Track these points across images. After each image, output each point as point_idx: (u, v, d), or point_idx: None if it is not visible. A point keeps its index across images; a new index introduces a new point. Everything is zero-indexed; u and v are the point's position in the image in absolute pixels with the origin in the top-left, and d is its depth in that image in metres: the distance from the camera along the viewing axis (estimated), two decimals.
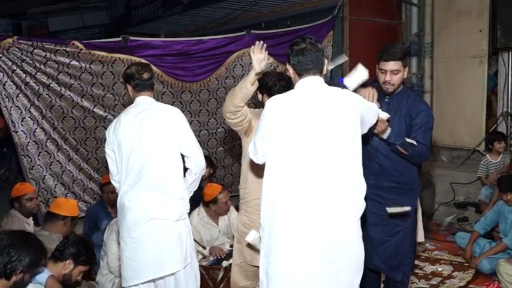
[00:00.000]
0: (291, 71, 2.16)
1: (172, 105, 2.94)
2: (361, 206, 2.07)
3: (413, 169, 2.71)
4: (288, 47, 2.14)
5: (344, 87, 2.31)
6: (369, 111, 2.21)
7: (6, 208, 3.76)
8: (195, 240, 3.08)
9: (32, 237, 2.32)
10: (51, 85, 4.24)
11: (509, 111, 5.63)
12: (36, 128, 4.23)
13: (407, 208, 2.57)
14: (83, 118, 4.47)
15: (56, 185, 4.42)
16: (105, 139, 2.73)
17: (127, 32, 6.79)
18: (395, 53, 2.56)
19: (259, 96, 2.77)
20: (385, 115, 2.45)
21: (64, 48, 4.22)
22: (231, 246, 3.57)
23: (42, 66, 4.16)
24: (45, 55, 4.15)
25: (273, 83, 2.68)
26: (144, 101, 2.69)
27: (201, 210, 3.87)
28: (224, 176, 5.49)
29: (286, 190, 2.00)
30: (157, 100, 2.87)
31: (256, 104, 3.84)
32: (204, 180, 4.15)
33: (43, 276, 2.42)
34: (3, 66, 4.00)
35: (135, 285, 2.62)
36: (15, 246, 2.10)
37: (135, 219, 2.56)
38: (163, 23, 8.05)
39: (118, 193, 2.69)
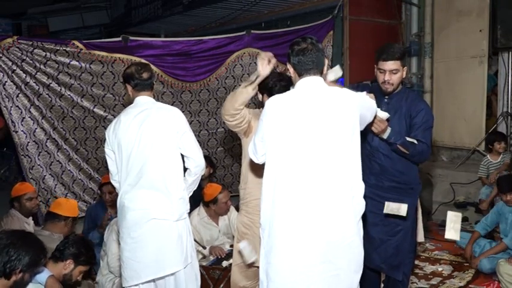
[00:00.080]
0: (291, 71, 2.16)
1: (172, 105, 2.94)
2: (361, 205, 2.08)
3: (413, 168, 2.71)
4: (289, 47, 2.14)
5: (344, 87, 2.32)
6: (368, 110, 2.22)
7: (6, 208, 3.76)
8: (195, 240, 3.08)
9: (32, 237, 2.32)
10: (51, 85, 4.24)
11: (509, 111, 5.63)
12: (36, 128, 4.23)
13: (403, 213, 2.58)
14: (83, 118, 4.47)
15: (56, 185, 4.41)
16: (105, 139, 2.73)
17: (127, 32, 6.79)
18: (393, 53, 2.56)
19: (260, 96, 2.76)
20: (384, 115, 2.45)
21: (64, 48, 4.22)
22: (231, 246, 3.57)
23: (42, 66, 4.16)
24: (45, 55, 4.15)
25: (274, 83, 2.68)
26: (144, 101, 2.69)
27: (201, 210, 3.87)
28: (224, 176, 5.49)
29: (286, 190, 2.00)
30: (157, 100, 2.87)
31: (256, 104, 3.84)
32: (204, 180, 4.16)
33: (43, 276, 2.42)
34: (3, 66, 3.99)
35: (135, 285, 2.62)
36: (15, 246, 2.10)
37: (135, 219, 2.56)
38: (163, 23, 8.05)
39: (118, 193, 2.69)
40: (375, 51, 2.66)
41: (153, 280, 2.63)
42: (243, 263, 2.74)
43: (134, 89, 2.70)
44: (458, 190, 5.42)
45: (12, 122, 4.11)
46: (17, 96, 4.09)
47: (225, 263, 3.49)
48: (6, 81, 4.02)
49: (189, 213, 2.75)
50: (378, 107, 2.41)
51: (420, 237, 2.91)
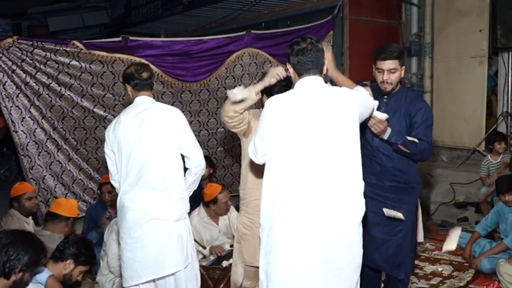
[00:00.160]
0: (291, 71, 2.16)
1: (172, 105, 2.94)
2: (362, 205, 2.08)
3: (413, 167, 2.71)
4: (288, 47, 2.15)
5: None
6: (367, 109, 2.23)
7: (6, 208, 3.76)
8: (195, 240, 3.08)
9: (31, 237, 2.32)
10: (51, 85, 4.24)
11: (509, 111, 5.63)
12: (36, 128, 4.23)
13: (401, 215, 2.59)
14: (83, 118, 4.47)
15: (56, 185, 4.41)
16: (105, 139, 2.72)
17: (127, 32, 6.80)
18: (392, 52, 2.56)
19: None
20: (383, 116, 2.45)
21: (64, 48, 4.22)
22: (231, 246, 3.57)
23: (42, 66, 4.16)
24: (45, 55, 4.15)
25: (274, 83, 2.68)
26: (143, 101, 2.69)
27: (201, 210, 3.87)
28: (224, 176, 5.49)
29: (286, 190, 2.00)
30: (157, 100, 2.87)
31: (256, 104, 3.83)
32: (204, 180, 4.15)
33: (43, 276, 2.42)
34: (3, 66, 4.00)
35: (136, 285, 2.61)
36: (14, 245, 2.10)
37: (135, 219, 2.56)
38: (163, 23, 8.05)
39: (118, 193, 2.69)
40: (373, 51, 2.66)
41: (153, 280, 2.63)
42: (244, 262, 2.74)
43: (134, 89, 2.70)
44: (458, 190, 5.41)
45: (12, 122, 4.11)
46: (17, 96, 4.10)
47: (225, 263, 3.49)
48: (6, 81, 4.02)
49: (189, 213, 2.74)
50: (377, 107, 2.42)
51: (420, 237, 2.91)
